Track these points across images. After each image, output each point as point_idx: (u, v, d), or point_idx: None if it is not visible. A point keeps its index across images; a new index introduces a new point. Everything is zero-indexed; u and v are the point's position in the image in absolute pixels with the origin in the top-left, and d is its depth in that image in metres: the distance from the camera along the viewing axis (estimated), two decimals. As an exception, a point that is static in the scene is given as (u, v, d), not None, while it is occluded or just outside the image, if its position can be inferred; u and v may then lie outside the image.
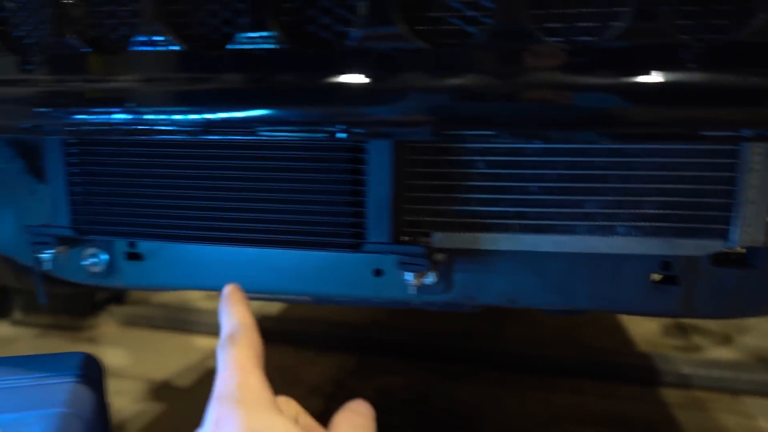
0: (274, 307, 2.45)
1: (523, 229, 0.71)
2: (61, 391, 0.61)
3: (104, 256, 0.84)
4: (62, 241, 0.77)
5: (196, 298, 2.59)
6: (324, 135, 0.53)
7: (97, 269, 0.84)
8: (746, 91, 0.47)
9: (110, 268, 0.85)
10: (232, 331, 0.45)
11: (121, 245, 0.84)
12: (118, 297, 2.50)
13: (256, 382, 0.41)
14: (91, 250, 0.84)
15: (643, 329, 2.34)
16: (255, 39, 0.51)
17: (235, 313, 0.47)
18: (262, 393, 0.40)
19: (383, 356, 2.11)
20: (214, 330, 2.32)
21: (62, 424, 0.56)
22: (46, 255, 0.79)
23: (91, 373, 0.66)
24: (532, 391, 1.89)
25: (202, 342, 2.25)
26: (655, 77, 0.48)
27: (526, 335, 2.26)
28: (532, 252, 0.73)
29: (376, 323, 2.35)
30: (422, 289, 0.75)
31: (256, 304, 2.66)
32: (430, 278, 0.75)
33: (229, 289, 0.50)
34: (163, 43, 0.53)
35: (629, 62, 0.48)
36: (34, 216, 0.84)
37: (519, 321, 2.40)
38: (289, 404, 0.49)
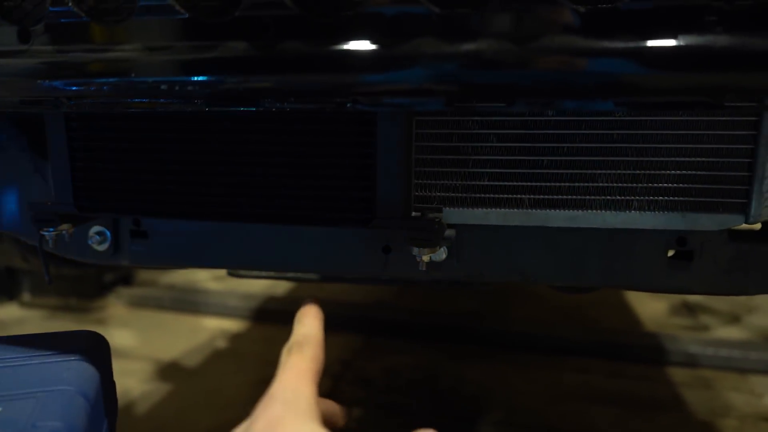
0: (280, 288, 2.45)
1: (534, 204, 0.70)
2: (65, 369, 0.60)
3: (109, 235, 0.83)
4: (65, 218, 0.76)
5: (203, 279, 2.59)
6: (334, 106, 0.51)
7: (102, 248, 0.84)
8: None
9: (115, 246, 0.84)
10: (302, 340, 0.51)
11: (125, 223, 0.83)
12: (125, 278, 2.51)
13: (310, 394, 0.46)
14: (96, 229, 0.83)
15: (651, 309, 2.33)
16: (261, 6, 0.49)
17: (308, 324, 0.54)
18: (312, 405, 0.46)
19: (390, 336, 2.11)
20: (220, 311, 2.33)
21: (65, 401, 0.55)
22: (49, 233, 0.78)
23: (97, 352, 0.66)
24: (539, 370, 1.89)
25: (209, 323, 2.26)
26: (676, 41, 0.46)
27: (534, 315, 2.26)
28: (543, 227, 0.71)
29: (383, 303, 2.35)
30: (431, 266, 0.74)
31: (264, 283, 2.66)
32: (440, 255, 0.73)
33: (308, 302, 0.57)
34: (165, 11, 0.51)
35: (649, 25, 0.46)
36: (38, 194, 0.83)
37: (526, 301, 2.39)
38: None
